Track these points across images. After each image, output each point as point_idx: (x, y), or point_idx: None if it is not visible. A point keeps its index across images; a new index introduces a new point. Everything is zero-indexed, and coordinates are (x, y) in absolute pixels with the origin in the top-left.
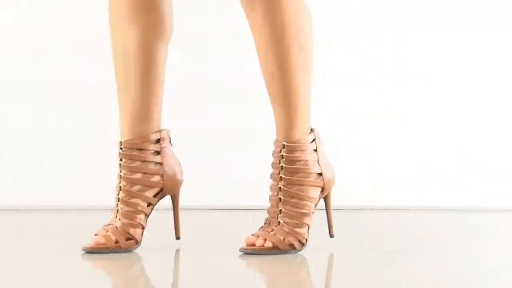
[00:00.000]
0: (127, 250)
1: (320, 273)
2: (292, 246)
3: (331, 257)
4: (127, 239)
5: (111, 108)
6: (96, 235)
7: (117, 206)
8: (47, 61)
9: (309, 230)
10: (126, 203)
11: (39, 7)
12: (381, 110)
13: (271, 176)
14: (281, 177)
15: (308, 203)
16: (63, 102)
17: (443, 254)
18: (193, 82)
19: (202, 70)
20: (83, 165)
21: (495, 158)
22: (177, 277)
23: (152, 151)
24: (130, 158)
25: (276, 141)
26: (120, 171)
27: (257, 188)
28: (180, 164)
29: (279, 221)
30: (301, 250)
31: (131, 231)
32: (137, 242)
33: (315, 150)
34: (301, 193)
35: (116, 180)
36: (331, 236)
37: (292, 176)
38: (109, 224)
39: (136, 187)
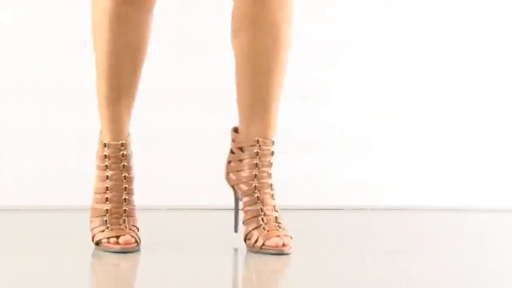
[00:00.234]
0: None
1: (320, 273)
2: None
3: (331, 257)
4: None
5: None
6: (117, 236)
7: (123, 206)
8: (47, 61)
9: None
10: (129, 202)
11: (39, 7)
12: (381, 110)
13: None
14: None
15: None
16: (63, 102)
17: (443, 254)
18: (193, 82)
19: (202, 70)
20: (83, 165)
21: (495, 158)
22: (177, 276)
23: None
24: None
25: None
26: (124, 172)
27: None
28: None
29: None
30: None
31: (135, 230)
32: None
33: None
34: None
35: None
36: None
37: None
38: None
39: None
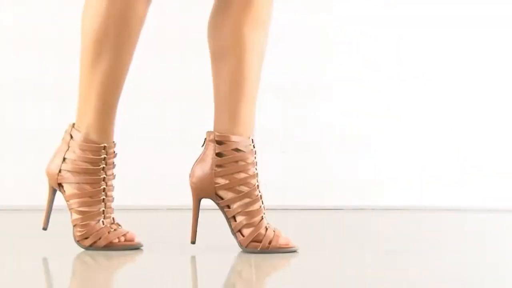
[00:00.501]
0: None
1: (320, 273)
2: None
3: (331, 257)
4: None
5: None
6: (124, 235)
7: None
8: (47, 61)
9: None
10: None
11: (39, 7)
12: (381, 110)
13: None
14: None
15: None
16: (63, 102)
17: (443, 254)
18: (192, 82)
19: (202, 70)
20: None
21: (495, 158)
22: (177, 276)
23: None
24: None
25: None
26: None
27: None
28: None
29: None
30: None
31: None
32: None
33: None
34: None
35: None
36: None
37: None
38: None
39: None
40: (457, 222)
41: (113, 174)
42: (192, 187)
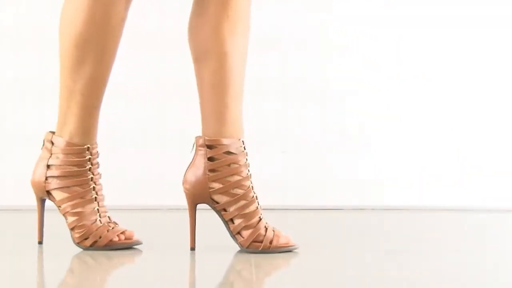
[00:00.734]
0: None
1: (320, 273)
2: None
3: (331, 257)
4: None
5: (110, 108)
6: (122, 233)
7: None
8: (47, 61)
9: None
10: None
11: (39, 7)
12: (381, 110)
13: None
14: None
15: None
16: None
17: (443, 254)
18: (192, 82)
19: None
20: None
21: (495, 158)
22: (177, 276)
23: None
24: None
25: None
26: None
27: (258, 188)
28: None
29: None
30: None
31: None
32: None
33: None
34: None
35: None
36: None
37: None
38: (110, 222)
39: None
40: (457, 222)
41: (99, 173)
42: (186, 194)
